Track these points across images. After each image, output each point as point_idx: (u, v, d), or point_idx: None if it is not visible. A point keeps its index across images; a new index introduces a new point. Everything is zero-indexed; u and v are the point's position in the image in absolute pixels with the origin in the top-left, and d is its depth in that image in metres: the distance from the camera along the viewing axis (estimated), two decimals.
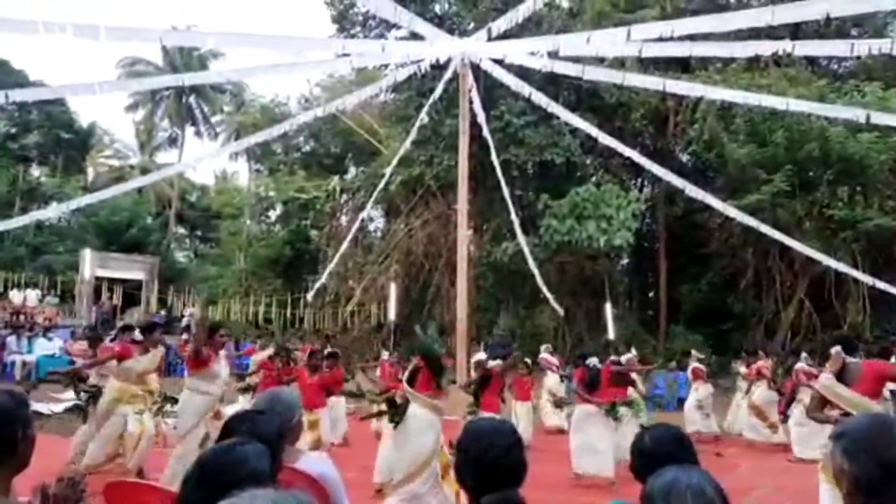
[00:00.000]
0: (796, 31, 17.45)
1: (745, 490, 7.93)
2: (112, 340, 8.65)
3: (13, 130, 34.95)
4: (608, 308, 14.91)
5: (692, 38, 6.83)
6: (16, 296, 21.79)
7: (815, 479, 6.53)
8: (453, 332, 14.61)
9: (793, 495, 7.70)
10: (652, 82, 11.95)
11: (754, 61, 18.58)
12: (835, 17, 8.17)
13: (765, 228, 11.67)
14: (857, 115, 11.07)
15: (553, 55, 7.89)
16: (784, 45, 6.64)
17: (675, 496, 1.56)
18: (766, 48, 7.86)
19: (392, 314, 18.01)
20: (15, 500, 1.90)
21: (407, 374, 6.28)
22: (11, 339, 16.42)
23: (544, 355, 13.30)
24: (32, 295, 22.07)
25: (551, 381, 12.66)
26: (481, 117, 11.66)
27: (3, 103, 26.76)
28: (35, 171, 36.13)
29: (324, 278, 18.37)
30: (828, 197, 17.80)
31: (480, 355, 11.28)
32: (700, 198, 10.89)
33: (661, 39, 6.46)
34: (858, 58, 18.10)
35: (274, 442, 2.14)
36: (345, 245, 18.15)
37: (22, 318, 20.03)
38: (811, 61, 20.34)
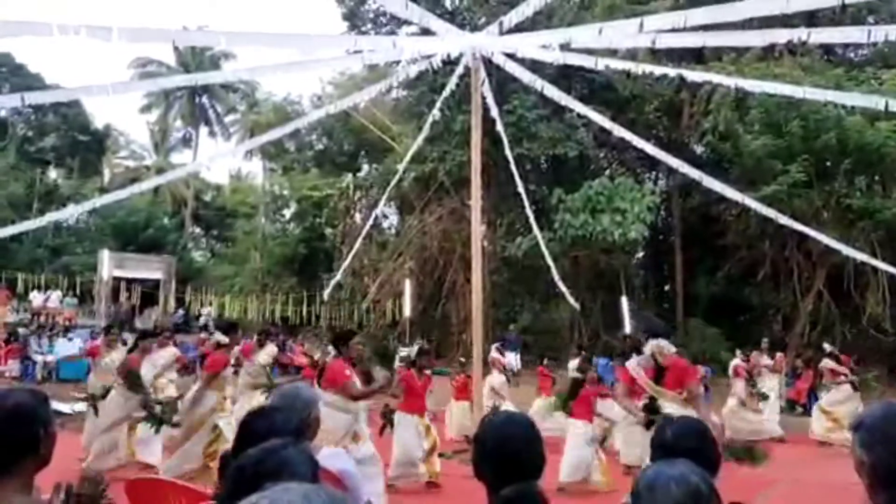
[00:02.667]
0: (811, 18, 17.24)
1: (766, 484, 7.87)
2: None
3: (30, 133, 35.40)
4: (624, 302, 14.86)
5: (705, 28, 6.76)
6: (36, 297, 22.09)
7: (838, 473, 6.50)
8: (468, 327, 14.61)
9: (813, 489, 7.65)
10: (666, 71, 11.83)
11: (768, 51, 18.37)
12: (850, 3, 8.05)
13: (783, 219, 11.53)
14: (875, 102, 10.90)
15: (565, 48, 7.83)
16: (799, 33, 6.54)
17: (660, 489, 1.52)
18: (780, 36, 7.75)
19: (407, 310, 18.05)
20: (38, 498, 1.92)
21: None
22: (33, 340, 16.65)
23: (494, 354, 12.69)
24: (53, 296, 22.36)
25: (496, 380, 11.75)
26: (494, 112, 11.62)
27: (20, 106, 27.16)
28: (52, 174, 36.57)
29: (339, 276, 18.39)
30: (845, 187, 17.58)
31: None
32: (717, 189, 10.77)
33: (674, 30, 6.38)
34: (875, 45, 17.85)
35: (293, 439, 2.15)
36: (359, 242, 18.18)
37: (43, 318, 20.32)
38: (826, 50, 20.10)
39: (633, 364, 5.85)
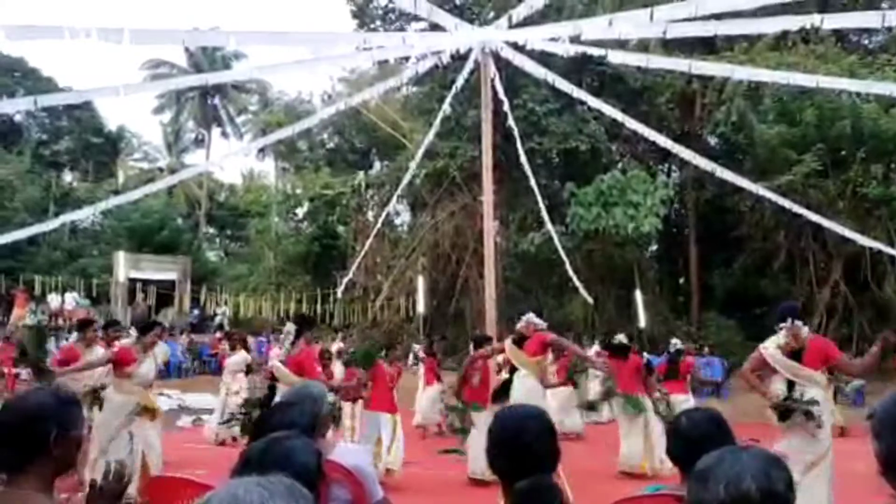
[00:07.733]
0: (824, 5, 17.05)
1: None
2: None
3: (45, 137, 35.73)
4: (638, 295, 14.77)
5: (717, 16, 6.72)
6: (54, 299, 22.31)
7: (855, 465, 6.41)
8: (482, 323, 14.57)
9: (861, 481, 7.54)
10: (677, 64, 11.75)
11: (781, 39, 18.19)
12: None
13: (798, 209, 11.44)
14: (890, 90, 10.82)
15: (575, 40, 7.80)
16: (812, 19, 6.49)
17: (737, 483, 1.30)
18: (793, 23, 7.68)
19: (421, 307, 18.07)
20: (58, 500, 1.91)
21: None
22: (51, 342, 16.80)
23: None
24: (70, 298, 22.57)
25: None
26: (504, 107, 11.60)
27: (34, 109, 27.37)
28: (67, 177, 36.93)
29: (351, 273, 18.44)
30: (861, 175, 17.37)
31: None
32: (731, 179, 10.70)
33: (685, 20, 6.34)
34: (890, 30, 17.61)
35: (307, 434, 2.15)
36: (371, 240, 18.22)
37: (60, 320, 20.52)
38: (840, 37, 19.84)
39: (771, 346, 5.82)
